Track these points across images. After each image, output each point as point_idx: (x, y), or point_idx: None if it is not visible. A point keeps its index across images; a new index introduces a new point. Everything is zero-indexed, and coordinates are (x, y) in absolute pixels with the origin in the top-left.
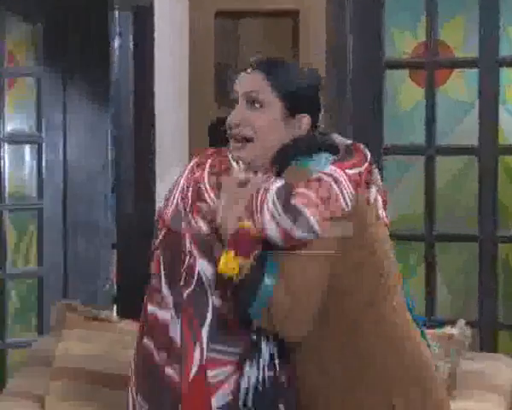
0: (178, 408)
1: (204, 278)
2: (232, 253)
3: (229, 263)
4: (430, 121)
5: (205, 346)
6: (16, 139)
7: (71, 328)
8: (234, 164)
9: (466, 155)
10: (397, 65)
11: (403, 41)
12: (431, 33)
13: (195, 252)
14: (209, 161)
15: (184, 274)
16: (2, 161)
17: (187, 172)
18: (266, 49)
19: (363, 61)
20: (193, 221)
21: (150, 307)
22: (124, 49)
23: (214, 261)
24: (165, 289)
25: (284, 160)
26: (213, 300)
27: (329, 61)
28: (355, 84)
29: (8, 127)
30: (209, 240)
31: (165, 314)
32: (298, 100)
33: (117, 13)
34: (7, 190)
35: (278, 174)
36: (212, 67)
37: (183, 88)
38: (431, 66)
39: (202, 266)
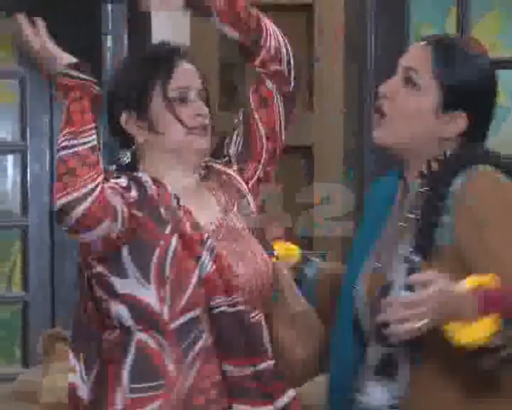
0: None
1: (123, 319)
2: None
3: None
4: None
5: (126, 389)
6: None
7: (60, 359)
8: None
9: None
10: None
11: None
12: (462, 29)
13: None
14: None
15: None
16: None
17: None
18: None
19: (385, 59)
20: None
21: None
22: (117, 48)
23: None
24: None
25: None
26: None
27: (349, 58)
28: (377, 83)
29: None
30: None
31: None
32: (459, 94)
33: (110, 6)
34: None
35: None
36: (216, 69)
37: None
38: None
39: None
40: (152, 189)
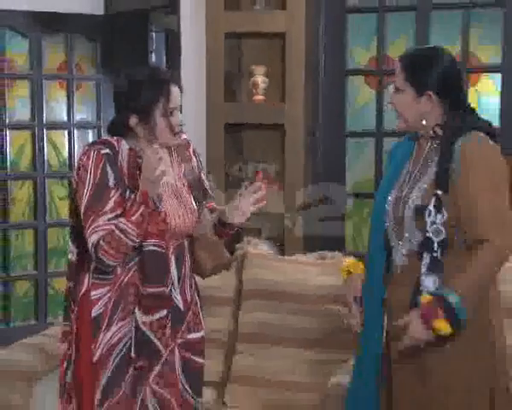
0: None
1: None
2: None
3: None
4: (379, 113)
5: (91, 276)
6: (83, 126)
7: None
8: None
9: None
10: (355, 72)
11: (360, 55)
12: (380, 50)
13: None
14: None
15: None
16: (72, 144)
17: None
18: (262, 62)
19: (331, 71)
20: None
21: None
22: (158, 61)
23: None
24: None
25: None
26: None
27: (308, 71)
28: (325, 88)
29: (77, 117)
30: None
31: None
32: (421, 82)
33: (153, 34)
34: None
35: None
36: (222, 75)
37: (202, 92)
38: (380, 73)
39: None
40: (124, 163)
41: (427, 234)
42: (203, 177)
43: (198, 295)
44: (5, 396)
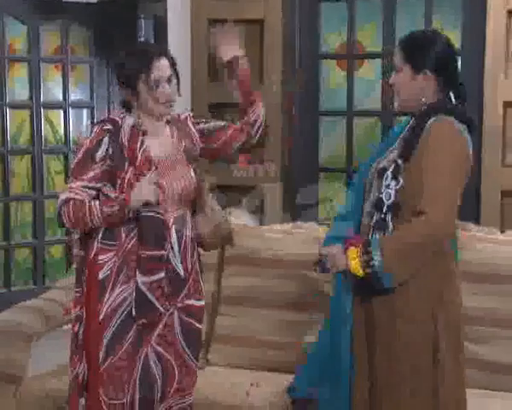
0: None
1: None
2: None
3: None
4: (350, 94)
5: (99, 242)
6: (77, 105)
7: None
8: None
9: (373, 117)
10: (328, 56)
11: (332, 40)
12: (350, 35)
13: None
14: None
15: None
16: (68, 122)
17: None
18: (243, 46)
19: (305, 54)
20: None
21: None
22: None
23: None
24: None
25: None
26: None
27: (284, 54)
28: (301, 70)
29: (72, 97)
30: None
31: None
32: (419, 63)
33: (142, 21)
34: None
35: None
36: (206, 59)
37: (187, 74)
38: (350, 57)
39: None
40: (125, 137)
41: (380, 195)
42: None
43: (200, 265)
44: (6, 355)
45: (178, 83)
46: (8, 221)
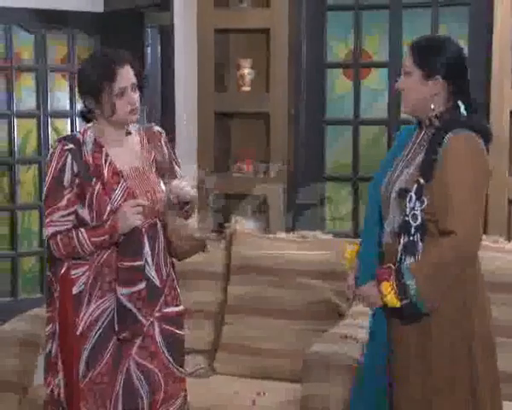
0: None
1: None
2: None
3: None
4: (356, 102)
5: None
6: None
7: None
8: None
9: (379, 126)
10: (334, 65)
11: (338, 49)
12: (357, 44)
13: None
14: None
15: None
16: (75, 131)
17: None
18: (248, 55)
19: (312, 63)
20: None
21: None
22: (153, 54)
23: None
24: None
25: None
26: None
27: (290, 63)
28: (307, 78)
29: (79, 106)
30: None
31: None
32: (430, 68)
33: (149, 30)
34: None
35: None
36: (212, 68)
37: (193, 83)
38: (357, 66)
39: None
40: (88, 153)
41: (406, 218)
42: (176, 167)
43: (174, 272)
44: (13, 363)
45: (142, 92)
46: (14, 230)
